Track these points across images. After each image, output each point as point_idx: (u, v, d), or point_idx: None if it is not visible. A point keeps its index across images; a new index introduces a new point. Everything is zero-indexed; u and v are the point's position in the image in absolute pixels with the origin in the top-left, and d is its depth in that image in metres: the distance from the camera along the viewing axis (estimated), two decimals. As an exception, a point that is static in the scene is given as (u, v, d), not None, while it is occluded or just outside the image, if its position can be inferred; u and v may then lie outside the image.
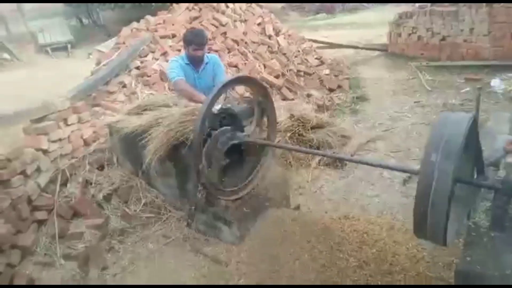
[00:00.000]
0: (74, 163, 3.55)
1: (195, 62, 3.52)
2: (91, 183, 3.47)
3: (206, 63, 3.58)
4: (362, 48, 9.20)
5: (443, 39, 7.60)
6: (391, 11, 9.27)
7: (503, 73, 6.42)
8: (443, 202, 1.62)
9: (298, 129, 4.49)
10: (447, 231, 1.68)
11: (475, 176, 2.06)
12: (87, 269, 2.91)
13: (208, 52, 3.84)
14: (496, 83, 6.00)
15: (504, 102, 5.49)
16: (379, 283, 2.50)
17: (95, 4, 16.40)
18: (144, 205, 3.41)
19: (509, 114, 4.24)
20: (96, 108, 4.44)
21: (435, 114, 5.41)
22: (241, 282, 2.66)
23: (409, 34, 8.19)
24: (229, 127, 2.72)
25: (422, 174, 1.70)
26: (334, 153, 4.08)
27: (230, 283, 2.67)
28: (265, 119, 3.08)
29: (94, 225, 3.20)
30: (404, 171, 2.63)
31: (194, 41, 3.42)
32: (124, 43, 5.94)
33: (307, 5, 19.18)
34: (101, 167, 3.63)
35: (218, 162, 2.70)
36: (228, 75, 5.49)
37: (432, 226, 1.67)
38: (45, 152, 3.33)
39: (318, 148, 4.34)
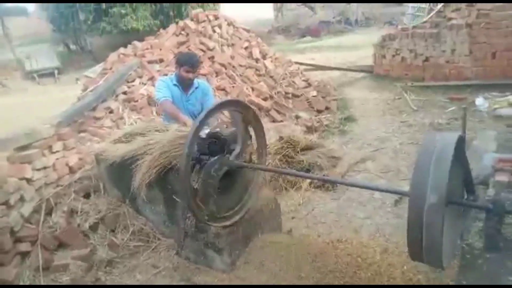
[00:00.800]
0: (59, 191, 3.45)
1: (184, 84, 3.51)
2: (76, 212, 3.36)
3: (196, 88, 3.58)
4: (348, 70, 9.36)
5: (426, 60, 7.78)
6: (376, 34, 9.49)
7: (486, 92, 6.56)
8: (437, 225, 1.60)
9: (287, 151, 4.49)
10: (442, 254, 1.66)
11: (465, 196, 2.05)
12: (71, 304, 2.79)
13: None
14: (480, 102, 6.12)
15: (488, 121, 5.59)
16: (375, 309, 2.43)
17: (83, 30, 16.49)
18: (132, 234, 3.31)
19: (494, 132, 4.31)
20: (83, 134, 4.38)
21: (422, 133, 5.47)
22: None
23: (393, 56, 8.38)
24: (216, 157, 2.69)
25: (413, 197, 1.68)
26: (324, 175, 4.06)
27: (222, 313, 2.58)
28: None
29: (79, 256, 3.09)
30: (395, 193, 2.62)
31: (187, 62, 3.43)
32: (111, 68, 5.94)
33: (292, 29, 19.62)
34: (87, 195, 3.53)
35: (214, 189, 2.65)
36: (217, 98, 5.50)
37: (428, 249, 1.64)
38: (29, 181, 3.23)
39: (308, 170, 4.33)
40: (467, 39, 7.08)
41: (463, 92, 6.87)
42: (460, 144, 1.76)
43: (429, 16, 7.96)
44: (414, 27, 8.01)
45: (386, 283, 2.68)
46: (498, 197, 2.08)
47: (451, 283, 2.61)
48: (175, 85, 3.49)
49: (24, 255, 3.03)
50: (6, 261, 2.88)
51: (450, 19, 7.47)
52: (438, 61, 7.60)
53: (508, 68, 6.82)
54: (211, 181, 2.59)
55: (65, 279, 2.95)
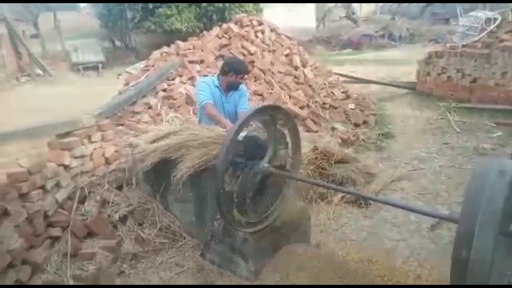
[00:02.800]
0: (93, 181, 3.51)
1: (228, 88, 3.49)
2: (108, 203, 3.41)
3: (236, 89, 3.57)
4: (389, 85, 9.12)
5: (474, 81, 7.44)
6: (420, 51, 9.21)
7: (537, 119, 6.19)
8: (486, 257, 1.46)
9: (321, 163, 4.38)
10: (488, 289, 1.52)
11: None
12: (95, 293, 2.81)
13: None
14: (530, 129, 5.77)
15: (538, 150, 5.25)
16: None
17: (129, 28, 17.06)
18: (159, 230, 3.31)
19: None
20: (120, 127, 4.46)
21: (465, 157, 5.20)
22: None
23: (439, 74, 8.08)
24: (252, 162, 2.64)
25: (462, 224, 1.56)
26: (358, 191, 3.92)
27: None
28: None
29: (107, 247, 3.11)
30: (437, 216, 2.46)
31: (242, 70, 3.45)
32: (153, 66, 6.06)
33: (334, 40, 19.41)
34: (119, 187, 3.58)
35: (250, 193, 2.60)
36: (253, 103, 5.48)
37: (473, 283, 1.50)
38: (66, 167, 3.31)
39: (341, 184, 4.20)
40: (520, 63, 6.72)
41: (512, 117, 6.51)
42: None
43: (481, 35, 7.61)
44: (464, 46, 7.69)
45: (417, 311, 2.53)
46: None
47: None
48: (216, 86, 3.47)
49: (54, 239, 3.09)
50: (37, 244, 2.94)
51: (502, 40, 7.12)
52: (486, 83, 7.24)
53: None
54: (247, 189, 2.55)
55: (91, 268, 2.98)
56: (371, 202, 4.03)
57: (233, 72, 3.39)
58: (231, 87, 3.47)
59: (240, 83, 3.50)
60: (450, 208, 3.93)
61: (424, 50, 8.92)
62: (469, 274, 1.52)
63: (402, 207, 2.54)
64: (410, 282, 2.79)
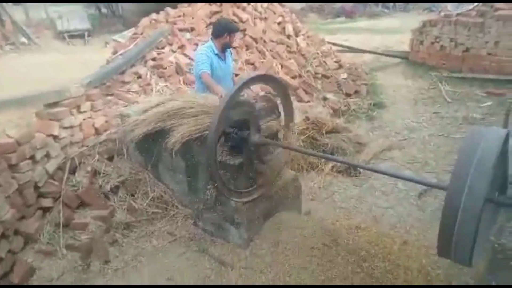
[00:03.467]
0: (84, 151, 3.49)
1: (223, 50, 3.58)
2: (99, 173, 3.40)
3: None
4: (382, 54, 9.04)
5: (466, 50, 7.40)
6: (414, 18, 9.06)
7: (527, 89, 6.22)
8: (473, 222, 1.50)
9: (312, 133, 4.39)
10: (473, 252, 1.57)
11: (497, 194, 1.94)
12: (89, 261, 2.85)
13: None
14: (519, 98, 5.82)
15: (527, 119, 5.30)
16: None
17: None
18: (151, 200, 3.33)
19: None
20: (110, 97, 4.38)
21: (454, 126, 5.25)
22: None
23: (432, 43, 8.01)
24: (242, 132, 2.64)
25: (451, 191, 1.59)
26: (349, 160, 3.96)
27: (234, 287, 2.59)
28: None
29: (99, 217, 3.13)
30: (425, 184, 2.51)
31: (235, 29, 3.59)
32: (142, 33, 5.90)
33: (327, 8, 19.01)
34: (110, 158, 3.56)
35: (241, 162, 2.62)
36: (245, 72, 5.41)
37: (459, 246, 1.56)
38: (55, 138, 3.27)
39: (332, 154, 4.23)
40: (513, 32, 6.68)
41: (503, 87, 6.53)
42: (506, 141, 1.64)
43: (476, 4, 7.49)
44: (458, 14, 7.58)
45: (402, 275, 2.61)
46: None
47: (471, 282, 2.53)
48: (216, 54, 3.53)
49: (46, 210, 3.10)
50: (29, 214, 2.95)
51: (497, 9, 7.02)
52: (479, 53, 7.21)
53: (554, 65, 6.42)
54: (239, 158, 2.55)
55: (83, 237, 3.01)
56: (360, 171, 4.09)
57: (227, 33, 3.48)
58: (225, 48, 3.59)
59: (232, 42, 3.62)
60: (437, 177, 4.00)
61: (419, 19, 8.78)
62: (455, 239, 1.56)
63: (391, 175, 2.57)
64: (396, 247, 2.87)
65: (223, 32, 3.48)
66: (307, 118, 4.51)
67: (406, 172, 4.12)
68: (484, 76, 7.01)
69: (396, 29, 11.96)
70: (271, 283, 2.50)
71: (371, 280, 2.53)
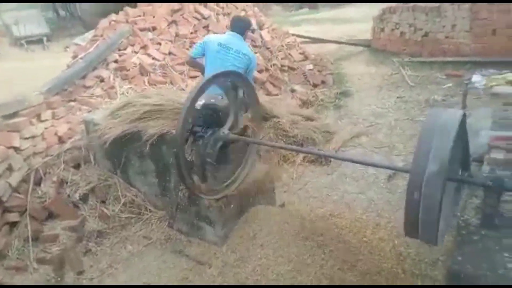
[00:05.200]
0: (48, 161, 3.38)
1: None
2: (66, 182, 3.31)
3: None
4: (345, 43, 9.18)
5: (426, 35, 7.62)
6: (375, 6, 9.23)
7: (483, 69, 6.47)
8: (435, 202, 1.57)
9: (281, 125, 4.41)
10: (438, 230, 1.64)
11: (460, 172, 2.03)
12: (62, 273, 2.78)
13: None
14: (477, 79, 6.05)
15: (485, 98, 5.52)
16: (367, 283, 2.44)
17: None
18: (123, 205, 3.27)
19: (490, 110, 4.27)
20: (72, 103, 4.24)
21: (418, 109, 5.42)
22: (225, 283, 2.57)
23: (392, 30, 8.19)
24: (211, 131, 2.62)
25: (413, 173, 1.64)
26: (319, 150, 4.02)
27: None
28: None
29: (69, 227, 3.06)
30: (391, 168, 2.59)
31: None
32: (102, 35, 5.73)
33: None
34: (77, 166, 3.47)
35: (211, 165, 2.60)
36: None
37: (424, 226, 1.62)
38: (17, 150, 3.15)
39: (302, 144, 4.28)
40: (468, 15, 6.92)
41: (461, 69, 6.77)
42: (463, 121, 1.72)
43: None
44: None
45: (377, 257, 2.69)
46: (496, 174, 2.05)
47: (441, 258, 2.64)
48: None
49: (13, 225, 3.00)
50: (-5, 230, 2.84)
51: (452, -8, 7.27)
52: (437, 37, 7.44)
53: (508, 45, 6.68)
54: (208, 157, 2.53)
55: (54, 250, 2.93)
56: (331, 159, 4.16)
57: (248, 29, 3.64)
58: None
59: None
60: (405, 159, 4.12)
61: (380, 6, 8.94)
62: (420, 219, 1.62)
63: (360, 163, 2.64)
64: (370, 231, 2.96)
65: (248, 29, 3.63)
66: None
67: (374, 157, 4.23)
68: (443, 59, 7.25)
69: (358, 18, 12.17)
70: (249, 278, 2.52)
71: (347, 265, 2.58)
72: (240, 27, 3.49)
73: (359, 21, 11.54)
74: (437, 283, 2.41)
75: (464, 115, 1.75)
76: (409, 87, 6.36)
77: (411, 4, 7.71)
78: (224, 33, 3.68)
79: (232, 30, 3.47)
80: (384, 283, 2.46)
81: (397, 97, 5.99)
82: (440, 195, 1.55)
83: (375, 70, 7.47)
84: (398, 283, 2.46)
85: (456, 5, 7.01)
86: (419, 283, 2.45)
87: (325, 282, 2.46)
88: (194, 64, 3.62)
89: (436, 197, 1.56)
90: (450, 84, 6.24)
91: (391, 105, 5.72)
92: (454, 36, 7.19)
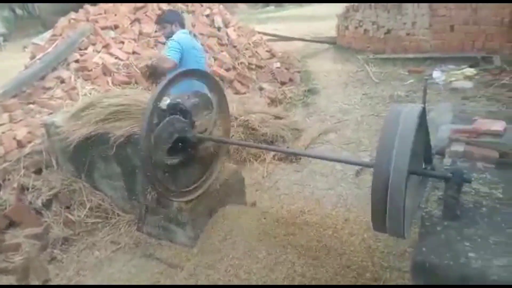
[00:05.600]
0: (7, 167, 3.23)
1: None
2: (27, 189, 3.17)
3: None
4: (311, 41, 9.30)
5: (388, 32, 7.85)
6: (341, 4, 9.40)
7: (443, 65, 6.74)
8: (400, 196, 1.60)
9: (250, 124, 4.41)
10: (404, 224, 1.68)
11: (423, 165, 2.10)
12: (27, 283, 2.66)
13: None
14: (437, 74, 6.29)
15: (445, 93, 5.77)
16: (337, 278, 2.49)
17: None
18: (89, 210, 3.17)
19: (450, 105, 4.45)
20: (31, 106, 4.05)
21: (383, 105, 5.57)
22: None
23: (356, 27, 8.38)
24: (177, 116, 2.56)
25: (377, 168, 1.68)
26: (287, 148, 4.05)
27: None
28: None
29: (32, 235, 2.93)
30: (357, 164, 2.64)
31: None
32: (61, 35, 5.50)
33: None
34: (38, 171, 3.32)
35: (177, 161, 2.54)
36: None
37: (391, 220, 1.65)
38: (-28, 156, 2.99)
39: (272, 142, 4.30)
40: (428, 12, 7.18)
41: (422, 65, 7.03)
42: (423, 116, 1.77)
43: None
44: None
45: (347, 251, 2.74)
46: (456, 166, 2.13)
47: (409, 250, 2.72)
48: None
49: (-29, 235, 2.83)
50: (-50, 242, 2.68)
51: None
52: (398, 34, 7.68)
53: (465, 41, 7.01)
54: (163, 147, 2.47)
55: (17, 259, 2.80)
56: (300, 157, 4.20)
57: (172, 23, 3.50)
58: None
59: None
60: (371, 154, 4.23)
61: (344, 5, 9.12)
62: (386, 213, 1.66)
63: (328, 159, 2.68)
64: (339, 226, 3.01)
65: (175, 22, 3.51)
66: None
67: (342, 153, 4.31)
68: (405, 56, 7.50)
69: (324, 16, 12.35)
70: (221, 279, 2.51)
71: (318, 261, 2.62)
72: (183, 21, 3.54)
73: (324, 19, 11.72)
74: (405, 275, 2.48)
75: (424, 110, 1.80)
76: (374, 84, 6.53)
77: (373, 2, 7.90)
78: (180, 32, 3.51)
79: (182, 27, 3.50)
80: (355, 277, 2.50)
81: (363, 94, 6.13)
82: (404, 189, 1.59)
83: (341, 67, 7.61)
84: (368, 276, 2.52)
85: (416, 3, 7.26)
86: (388, 276, 2.51)
87: (297, 279, 2.48)
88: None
89: (401, 190, 1.60)
90: (412, 80, 6.45)
91: (357, 102, 5.85)
92: (415, 33, 7.45)
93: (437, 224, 1.85)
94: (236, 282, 2.48)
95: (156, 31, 5.71)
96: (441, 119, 3.73)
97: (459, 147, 2.42)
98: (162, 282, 2.62)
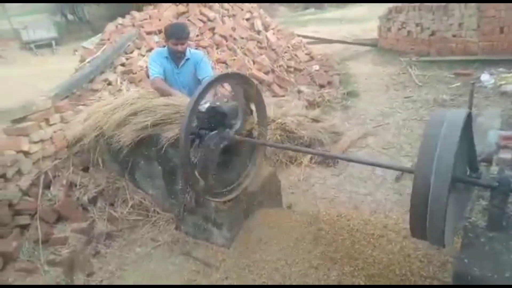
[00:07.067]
0: (57, 164, 3.42)
1: (175, 57, 3.34)
2: (75, 185, 3.35)
3: (187, 59, 3.39)
4: (351, 43, 9.17)
5: (433, 34, 7.58)
6: (382, 5, 9.20)
7: (492, 67, 6.42)
8: (442, 203, 1.55)
9: (288, 126, 4.41)
10: (445, 232, 1.62)
11: (468, 173, 2.01)
12: (72, 275, 2.81)
13: (196, 48, 3.72)
14: (486, 78, 6.00)
15: (494, 97, 5.49)
16: (376, 284, 2.43)
17: None
18: (131, 207, 3.30)
19: (499, 109, 4.24)
20: (81, 107, 4.29)
21: (426, 109, 5.39)
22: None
23: (399, 29, 8.17)
24: (216, 131, 2.62)
25: (418, 174, 1.63)
26: (325, 151, 4.01)
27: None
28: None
29: (79, 229, 3.09)
30: (397, 169, 2.57)
31: (174, 35, 3.22)
32: (109, 39, 5.79)
33: None
34: (85, 169, 3.50)
35: (213, 164, 2.59)
36: (217, 71, 5.39)
37: (430, 227, 1.60)
38: (26, 154, 3.20)
39: (309, 145, 4.28)
40: (475, 13, 6.86)
41: (469, 67, 6.73)
42: (468, 121, 1.70)
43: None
44: (421, -1, 7.76)
45: (385, 259, 2.67)
46: (503, 175, 2.03)
47: (450, 260, 2.61)
48: (166, 57, 3.33)
49: (23, 227, 3.03)
50: (6, 233, 2.89)
51: (458, -9, 7.22)
52: (444, 35, 7.40)
53: (516, 43, 6.64)
54: (210, 156, 2.54)
55: (64, 252, 2.96)
56: (338, 160, 4.15)
57: (167, 38, 3.28)
58: (177, 56, 3.33)
59: (179, 50, 3.29)
60: (413, 160, 4.09)
61: (386, 5, 8.91)
62: (426, 220, 1.61)
63: (367, 163, 2.63)
64: (378, 232, 2.93)
65: (167, 37, 3.27)
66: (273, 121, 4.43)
67: (382, 158, 4.21)
68: (451, 58, 7.21)
69: (365, 17, 12.14)
70: (256, 280, 2.53)
71: (355, 268, 2.57)
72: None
73: (365, 21, 11.52)
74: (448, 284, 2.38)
75: (470, 115, 1.73)
76: (417, 87, 6.33)
77: (417, 3, 7.67)
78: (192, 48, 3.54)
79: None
80: (391, 284, 2.44)
81: (405, 97, 5.96)
82: (446, 196, 1.54)
83: (382, 70, 7.44)
84: (407, 284, 2.45)
85: (463, 3, 6.96)
86: (428, 284, 2.43)
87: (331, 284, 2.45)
88: (165, 87, 3.27)
89: (442, 197, 1.55)
90: (458, 83, 6.19)
91: (399, 105, 5.70)
92: (462, 35, 7.15)
93: (481, 235, 1.77)
94: (271, 285, 2.49)
95: (197, 35, 5.87)
96: (489, 124, 3.57)
97: (507, 155, 2.31)
98: (198, 281, 2.68)
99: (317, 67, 6.81)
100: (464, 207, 2.05)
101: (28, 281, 2.79)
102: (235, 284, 2.57)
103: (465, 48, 7.19)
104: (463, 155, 1.90)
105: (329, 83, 6.55)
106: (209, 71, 3.41)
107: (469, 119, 1.72)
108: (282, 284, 2.48)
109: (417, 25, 7.78)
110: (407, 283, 2.46)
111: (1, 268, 2.78)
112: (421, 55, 7.66)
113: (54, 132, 3.48)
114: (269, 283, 2.50)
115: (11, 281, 2.75)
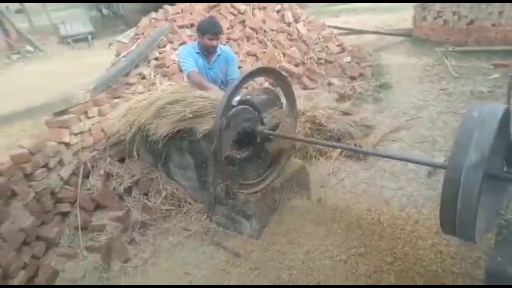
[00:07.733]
0: (95, 155, 3.59)
1: (207, 52, 3.38)
2: (112, 175, 3.50)
3: (219, 55, 3.44)
4: (384, 34, 8.94)
5: (471, 23, 7.27)
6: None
7: (534, 58, 6.10)
8: (473, 199, 1.53)
9: (318, 119, 4.39)
10: (476, 228, 1.60)
11: (505, 169, 1.95)
12: (109, 261, 2.96)
13: (225, 44, 3.76)
14: (527, 68, 5.71)
15: (535, 90, 5.21)
16: (405, 283, 2.42)
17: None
18: (164, 198, 3.42)
19: (541, 103, 4.03)
20: (117, 100, 4.45)
21: (462, 102, 5.20)
22: (259, 276, 2.64)
23: (435, 18, 7.88)
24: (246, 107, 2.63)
25: (450, 169, 1.61)
26: (355, 145, 3.97)
27: (248, 277, 2.65)
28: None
29: (115, 217, 3.24)
30: (428, 164, 2.53)
31: (210, 30, 3.26)
32: (143, 33, 5.94)
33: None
34: (121, 160, 3.65)
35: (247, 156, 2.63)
36: (246, 64, 5.42)
37: (461, 223, 1.58)
38: (67, 145, 3.37)
39: (339, 139, 4.24)
40: (518, 0, 6.53)
41: (509, 58, 6.41)
42: (506, 116, 1.65)
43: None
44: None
45: (416, 254, 2.65)
46: (543, 172, 1.96)
47: (483, 257, 2.55)
48: (197, 53, 3.38)
49: (64, 215, 3.22)
50: (48, 220, 3.07)
51: (500, -23, 6.87)
52: (483, 24, 7.08)
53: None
54: (244, 151, 2.58)
55: (102, 239, 3.12)
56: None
57: (201, 33, 3.30)
58: (209, 51, 3.37)
59: (215, 45, 3.34)
60: (447, 155, 3.98)
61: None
62: (456, 216, 1.59)
63: (398, 159, 2.59)
64: (408, 227, 2.90)
65: (201, 33, 3.29)
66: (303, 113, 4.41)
67: (415, 152, 4.12)
68: (490, 48, 6.89)
69: (399, 6, 11.77)
70: (285, 272, 2.57)
71: (384, 263, 2.56)
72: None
73: (400, 10, 11.17)
74: (478, 283, 2.34)
75: (508, 109, 1.68)
76: (453, 78, 6.11)
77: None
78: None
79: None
80: (422, 283, 2.42)
81: (440, 89, 5.78)
82: (477, 191, 1.51)
83: (417, 61, 7.23)
84: (438, 283, 2.42)
85: (504, -10, 6.62)
86: (459, 283, 2.39)
87: (361, 281, 2.46)
88: (202, 80, 3.32)
89: (474, 193, 1.52)
90: (497, 75, 5.93)
91: (433, 98, 5.53)
92: (502, 23, 6.81)
93: (516, 233, 1.73)
94: (298, 277, 2.53)
95: (228, 28, 5.91)
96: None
97: (548, 151, 2.21)
98: (228, 270, 2.76)
99: (348, 58, 6.70)
100: (500, 204, 2.00)
101: (69, 265, 2.97)
102: (263, 274, 2.63)
103: (505, 38, 6.85)
104: (499, 151, 1.85)
105: (361, 75, 6.44)
106: (237, 73, 3.49)
107: (507, 113, 1.68)
108: (312, 278, 2.51)
109: (454, 13, 7.48)
110: (438, 280, 2.43)
111: (44, 252, 2.96)
112: (458, 45, 7.36)
113: (93, 124, 3.64)
114: (297, 276, 2.54)
115: (53, 265, 2.92)
